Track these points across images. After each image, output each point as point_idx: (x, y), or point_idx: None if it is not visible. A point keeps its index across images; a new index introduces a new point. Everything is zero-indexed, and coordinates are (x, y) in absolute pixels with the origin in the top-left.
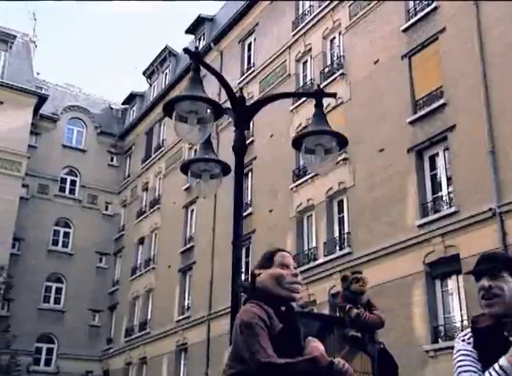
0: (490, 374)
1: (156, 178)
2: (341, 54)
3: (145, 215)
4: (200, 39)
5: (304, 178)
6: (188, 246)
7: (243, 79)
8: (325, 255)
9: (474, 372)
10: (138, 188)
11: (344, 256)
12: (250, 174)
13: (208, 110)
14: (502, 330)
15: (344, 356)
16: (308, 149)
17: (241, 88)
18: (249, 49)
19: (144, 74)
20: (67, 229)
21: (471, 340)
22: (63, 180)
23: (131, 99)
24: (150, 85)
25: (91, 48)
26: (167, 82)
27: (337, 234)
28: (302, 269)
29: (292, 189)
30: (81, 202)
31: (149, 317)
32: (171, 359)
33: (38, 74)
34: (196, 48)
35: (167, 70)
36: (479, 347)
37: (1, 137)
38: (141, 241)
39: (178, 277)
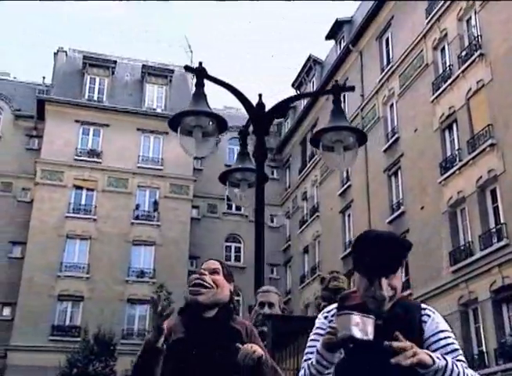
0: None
1: (312, 186)
2: (478, 34)
3: (306, 223)
4: (340, 42)
5: (452, 171)
6: (348, 251)
7: (384, 75)
8: (481, 249)
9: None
10: (298, 198)
11: (502, 249)
12: (399, 172)
13: (211, 124)
14: (368, 312)
15: None
16: (326, 146)
17: (260, 95)
18: (387, 45)
19: (293, 85)
20: (238, 244)
21: (334, 318)
22: (230, 198)
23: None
24: None
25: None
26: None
27: (492, 225)
28: (460, 265)
29: (441, 182)
30: (247, 217)
31: None
32: None
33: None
34: (200, 63)
35: (314, 79)
36: None
37: (170, 165)
38: (305, 250)
39: None
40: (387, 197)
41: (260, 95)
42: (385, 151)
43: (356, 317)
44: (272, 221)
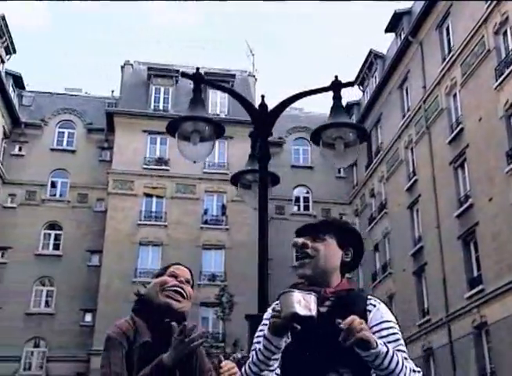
0: (258, 342)
1: (380, 183)
2: None
3: (375, 221)
4: (400, 35)
5: None
6: (417, 247)
7: (445, 65)
8: None
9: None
10: (366, 195)
11: None
12: (465, 164)
13: (208, 128)
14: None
15: None
16: (326, 143)
17: (263, 96)
18: (447, 34)
19: (355, 82)
20: None
21: None
22: (297, 199)
23: (347, 109)
24: (363, 92)
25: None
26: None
27: None
28: None
29: (507, 172)
30: (316, 217)
31: None
32: (418, 364)
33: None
34: (197, 69)
35: (376, 74)
36: None
37: (236, 169)
38: (376, 248)
39: (414, 280)
40: (454, 190)
41: (263, 96)
42: (450, 143)
43: (298, 295)
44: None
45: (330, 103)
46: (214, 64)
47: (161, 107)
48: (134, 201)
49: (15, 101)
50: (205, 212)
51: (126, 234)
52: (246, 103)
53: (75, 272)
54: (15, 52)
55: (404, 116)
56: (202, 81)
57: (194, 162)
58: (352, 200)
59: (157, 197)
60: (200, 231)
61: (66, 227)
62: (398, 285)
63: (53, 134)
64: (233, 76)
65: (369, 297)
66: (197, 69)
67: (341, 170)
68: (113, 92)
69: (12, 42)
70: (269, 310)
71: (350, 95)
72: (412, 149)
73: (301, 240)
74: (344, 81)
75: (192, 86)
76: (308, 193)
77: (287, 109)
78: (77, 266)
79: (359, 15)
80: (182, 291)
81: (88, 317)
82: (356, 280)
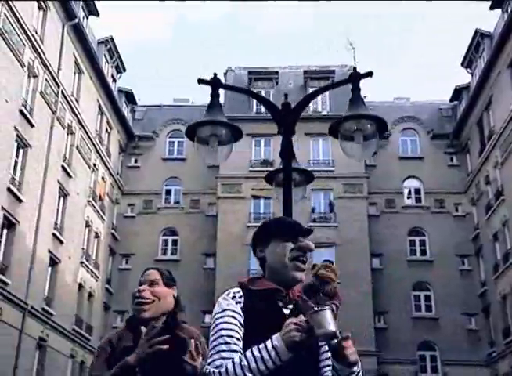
0: (260, 351)
1: (494, 168)
2: None
3: (492, 209)
4: (506, 10)
5: None
6: None
7: None
8: None
9: (238, 340)
10: (481, 183)
11: None
12: None
13: (225, 132)
14: (275, 299)
15: None
16: (345, 135)
17: (286, 94)
18: None
19: (462, 64)
20: (422, 237)
21: (242, 300)
22: (408, 191)
23: (456, 94)
24: (471, 74)
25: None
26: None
27: None
28: None
29: None
30: (428, 209)
31: None
32: None
33: (365, 97)
34: (215, 74)
35: (484, 54)
36: (248, 310)
37: (341, 165)
38: (495, 237)
39: None
40: None
41: (286, 95)
42: None
43: (330, 312)
44: (457, 210)
45: (438, 89)
46: (318, 62)
47: (263, 110)
48: (243, 204)
49: (128, 116)
50: (313, 210)
51: (237, 236)
52: (267, 104)
53: (192, 275)
54: (125, 70)
55: None
56: (219, 86)
57: (213, 165)
58: (467, 189)
59: (265, 198)
60: None
61: (182, 232)
62: None
63: (164, 144)
64: (333, 72)
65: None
66: (215, 74)
67: (454, 158)
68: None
69: (121, 61)
70: (230, 300)
71: (457, 79)
72: None
73: (312, 246)
74: (445, 66)
75: (292, 86)
76: (419, 184)
77: (392, 99)
78: (194, 270)
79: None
80: (142, 300)
81: (207, 319)
82: (477, 272)
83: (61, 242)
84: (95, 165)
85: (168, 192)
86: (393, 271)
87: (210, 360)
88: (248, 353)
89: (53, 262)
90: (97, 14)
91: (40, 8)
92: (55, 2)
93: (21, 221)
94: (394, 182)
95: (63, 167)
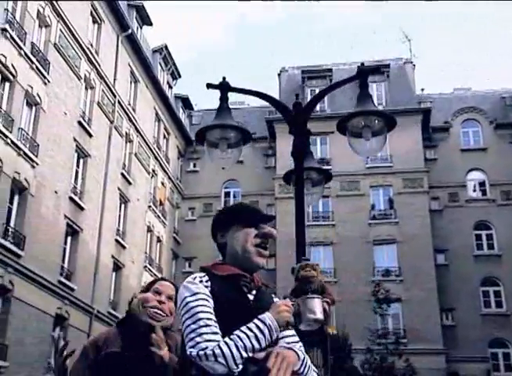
0: (252, 330)
1: None
2: None
3: None
4: None
5: None
6: None
7: None
8: None
9: (215, 322)
10: None
11: None
12: None
13: (235, 135)
14: (240, 284)
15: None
16: (354, 132)
17: (297, 94)
18: None
19: None
20: (489, 231)
21: (209, 284)
22: (472, 184)
23: None
24: None
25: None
26: None
27: None
28: None
29: None
30: (494, 201)
31: None
32: None
33: (423, 89)
34: (224, 78)
35: None
36: (215, 295)
37: (400, 160)
38: None
39: None
40: None
41: (297, 95)
42: None
43: (319, 301)
44: None
45: (497, 78)
46: (370, 57)
47: (318, 108)
48: None
49: (185, 121)
50: (372, 207)
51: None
52: (278, 105)
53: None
54: (180, 76)
55: None
56: (228, 89)
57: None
58: None
59: (323, 197)
60: (369, 227)
61: None
62: None
63: None
64: (387, 66)
65: (272, 295)
66: (224, 78)
67: None
68: None
69: (176, 68)
70: (198, 283)
71: None
72: None
73: (275, 232)
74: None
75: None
76: (483, 176)
77: (452, 90)
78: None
79: None
80: (161, 312)
81: None
82: None
83: (124, 247)
84: (154, 171)
85: (227, 194)
86: (459, 267)
87: (192, 343)
88: (240, 333)
89: (117, 266)
90: (150, 24)
91: (94, 21)
92: (110, 15)
93: (84, 228)
94: (457, 175)
95: (122, 174)
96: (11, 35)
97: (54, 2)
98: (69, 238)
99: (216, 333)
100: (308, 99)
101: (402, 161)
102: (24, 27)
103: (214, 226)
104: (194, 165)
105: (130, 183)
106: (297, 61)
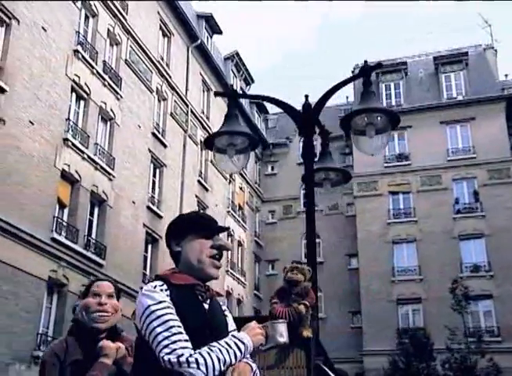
0: (230, 347)
1: None
2: None
3: None
4: None
5: None
6: None
7: None
8: None
9: (183, 329)
10: None
11: None
12: None
13: (242, 141)
14: (196, 294)
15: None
16: (357, 130)
17: (306, 96)
18: None
19: None
20: None
21: (168, 293)
22: None
23: None
24: None
25: None
26: None
27: None
28: None
29: None
30: None
31: None
32: None
33: (506, 75)
34: (231, 85)
35: None
36: (173, 304)
37: (483, 151)
38: None
39: None
40: None
41: (306, 96)
42: None
43: (285, 325)
44: None
45: None
46: (446, 46)
47: (394, 103)
48: (380, 201)
49: (261, 125)
50: (456, 201)
51: (378, 235)
52: (286, 107)
53: (336, 276)
54: (253, 81)
55: None
56: (237, 96)
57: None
58: None
59: (403, 193)
60: (454, 221)
61: (323, 234)
62: None
63: (298, 149)
64: (465, 54)
65: (223, 303)
66: (231, 86)
67: None
68: (347, 98)
69: (249, 74)
70: (160, 292)
71: None
72: None
73: (230, 245)
74: None
75: (423, 74)
76: None
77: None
78: (337, 271)
79: None
80: (105, 313)
81: (356, 319)
82: None
83: None
84: (231, 176)
85: (306, 196)
86: None
87: (168, 350)
88: (221, 347)
89: None
90: (220, 32)
91: (164, 35)
92: (179, 27)
93: (163, 236)
94: None
95: (199, 181)
96: (83, 56)
97: (123, 20)
98: (149, 246)
99: (187, 340)
100: (384, 93)
101: (486, 152)
102: (95, 47)
103: (168, 234)
104: (272, 168)
105: (207, 190)
106: (377, 56)
